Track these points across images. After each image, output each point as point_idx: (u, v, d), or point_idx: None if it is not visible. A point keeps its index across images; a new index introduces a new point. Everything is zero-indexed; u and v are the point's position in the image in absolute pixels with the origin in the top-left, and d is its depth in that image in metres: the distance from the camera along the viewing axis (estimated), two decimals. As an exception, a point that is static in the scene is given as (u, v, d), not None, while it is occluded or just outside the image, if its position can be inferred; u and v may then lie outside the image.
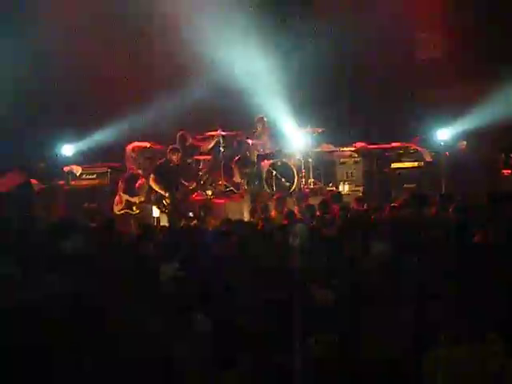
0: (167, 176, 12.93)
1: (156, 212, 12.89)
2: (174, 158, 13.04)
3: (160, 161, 13.33)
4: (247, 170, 14.27)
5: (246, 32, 15.26)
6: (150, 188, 13.06)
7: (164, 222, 12.78)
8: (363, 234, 7.85)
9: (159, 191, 12.94)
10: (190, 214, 12.03)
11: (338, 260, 6.29)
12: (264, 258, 6.74)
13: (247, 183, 14.20)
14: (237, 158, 14.35)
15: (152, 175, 13.03)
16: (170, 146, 13.33)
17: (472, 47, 16.15)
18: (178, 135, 13.81)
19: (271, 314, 5.11)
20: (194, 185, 13.66)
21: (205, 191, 14.17)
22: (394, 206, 10.32)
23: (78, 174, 14.28)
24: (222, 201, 13.94)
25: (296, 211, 11.19)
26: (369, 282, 5.59)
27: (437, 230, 8.18)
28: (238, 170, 14.32)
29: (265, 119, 14.67)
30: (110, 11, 15.49)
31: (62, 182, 14.28)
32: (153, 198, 13.06)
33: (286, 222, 9.67)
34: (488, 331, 4.34)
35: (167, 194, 12.85)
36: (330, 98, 16.32)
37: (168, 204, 12.84)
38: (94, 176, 14.40)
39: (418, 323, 5.00)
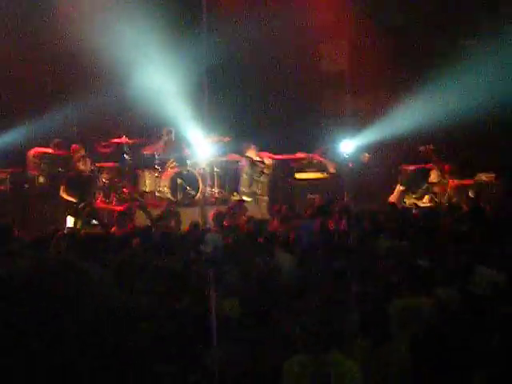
0: (79, 186, 12.64)
1: (70, 221, 12.51)
2: (82, 165, 12.77)
3: (70, 172, 13.02)
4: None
5: (155, 40, 15.15)
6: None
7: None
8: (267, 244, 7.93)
9: (69, 199, 12.59)
10: (94, 222, 11.80)
11: (247, 269, 6.29)
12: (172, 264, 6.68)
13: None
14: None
15: (63, 186, 12.69)
16: (78, 155, 13.05)
17: (376, 59, 16.47)
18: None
19: (177, 322, 5.06)
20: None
21: (108, 198, 13.95)
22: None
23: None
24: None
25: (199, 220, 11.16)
26: (274, 290, 5.61)
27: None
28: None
29: (171, 131, 14.60)
30: (17, 10, 15.12)
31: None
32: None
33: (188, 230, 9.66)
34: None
35: (82, 204, 12.52)
36: (237, 108, 16.37)
37: (83, 211, 12.46)
38: (-6, 181, 13.96)
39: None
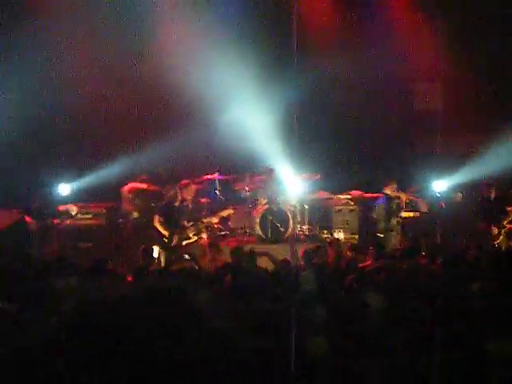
0: (170, 216, 12.74)
1: (156, 251, 12.64)
2: (174, 196, 12.86)
3: (163, 202, 13.17)
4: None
5: (247, 77, 15.38)
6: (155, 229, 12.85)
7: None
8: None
9: (162, 232, 12.71)
10: (186, 256, 11.95)
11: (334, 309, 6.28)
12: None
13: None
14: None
15: (157, 216, 12.83)
16: (171, 186, 13.18)
17: (470, 100, 16.29)
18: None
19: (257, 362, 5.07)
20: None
21: (199, 234, 14.10)
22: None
23: (73, 214, 14.24)
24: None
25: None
26: (365, 331, 5.58)
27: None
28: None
29: (258, 167, 14.72)
30: (111, 55, 15.58)
31: (57, 221, 14.24)
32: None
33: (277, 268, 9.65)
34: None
35: (167, 234, 12.63)
36: (328, 146, 16.40)
37: (167, 244, 12.60)
38: (90, 216, 14.36)
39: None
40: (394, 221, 13.74)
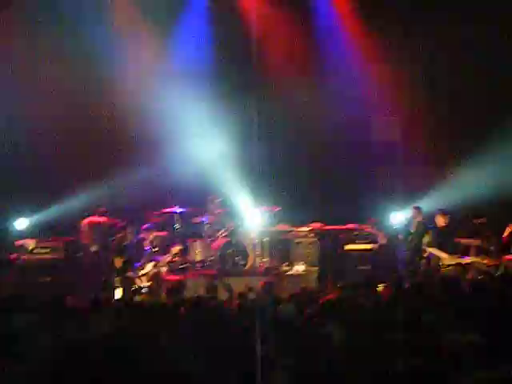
0: (123, 254, 12.70)
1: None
2: (130, 234, 12.88)
3: (119, 239, 13.15)
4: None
5: (205, 111, 15.46)
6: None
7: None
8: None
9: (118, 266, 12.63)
10: (143, 290, 11.85)
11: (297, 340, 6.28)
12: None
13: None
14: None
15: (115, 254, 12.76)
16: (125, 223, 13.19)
17: (429, 132, 16.48)
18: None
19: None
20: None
21: (159, 267, 14.02)
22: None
23: (30, 248, 14.06)
24: (177, 277, 13.84)
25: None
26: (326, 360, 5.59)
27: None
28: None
29: (217, 199, 14.72)
30: (72, 90, 15.55)
31: (14, 256, 14.04)
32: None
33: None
34: None
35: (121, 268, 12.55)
36: (287, 178, 16.46)
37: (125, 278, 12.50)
38: (48, 250, 14.19)
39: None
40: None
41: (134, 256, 12.90)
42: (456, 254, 12.98)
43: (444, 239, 13.23)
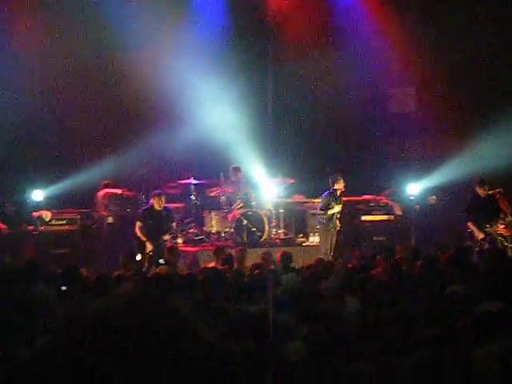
0: (150, 222, 12.59)
1: (138, 256, 12.47)
2: (156, 203, 12.72)
3: (145, 207, 13.03)
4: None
5: (222, 81, 15.38)
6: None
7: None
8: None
9: (142, 238, 12.56)
10: (161, 261, 11.83)
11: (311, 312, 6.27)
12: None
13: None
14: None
15: (138, 222, 12.71)
16: (154, 191, 13.05)
17: (445, 103, 16.37)
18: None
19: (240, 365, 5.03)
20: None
21: (175, 239, 14.05)
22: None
23: (47, 220, 14.10)
24: (193, 249, 13.88)
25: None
26: (342, 335, 5.58)
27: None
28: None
29: (240, 169, 14.64)
30: (88, 61, 15.49)
31: (31, 228, 14.09)
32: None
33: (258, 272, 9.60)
34: None
35: (148, 243, 12.46)
36: (302, 149, 16.44)
37: (150, 250, 12.44)
38: (64, 222, 14.24)
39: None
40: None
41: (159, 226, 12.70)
42: (497, 222, 12.78)
43: (486, 209, 12.92)
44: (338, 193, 13.37)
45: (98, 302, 1.88)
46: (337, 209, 13.29)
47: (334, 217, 13.36)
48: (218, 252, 11.21)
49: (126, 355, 1.72)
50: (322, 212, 13.39)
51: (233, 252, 11.58)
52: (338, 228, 13.44)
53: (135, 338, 1.76)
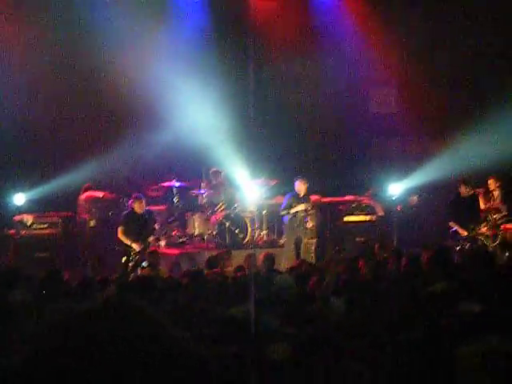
0: (133, 226, 12.51)
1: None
2: (137, 206, 12.65)
3: (126, 212, 12.92)
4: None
5: (203, 83, 15.36)
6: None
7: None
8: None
9: (126, 242, 12.46)
10: (144, 264, 11.79)
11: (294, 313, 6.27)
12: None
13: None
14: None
15: (120, 227, 12.68)
16: (134, 195, 12.97)
17: (426, 103, 16.45)
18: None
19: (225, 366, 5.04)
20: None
21: (158, 241, 13.99)
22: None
23: (28, 224, 14.01)
24: (176, 251, 13.84)
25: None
26: (326, 336, 5.57)
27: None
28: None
29: (220, 172, 14.64)
30: (68, 62, 15.43)
31: (12, 232, 14.00)
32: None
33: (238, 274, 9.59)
34: None
35: (134, 245, 12.37)
36: (284, 150, 16.44)
37: (135, 253, 12.34)
38: (46, 225, 14.15)
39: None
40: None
41: (142, 229, 12.63)
42: (480, 223, 12.90)
43: (469, 208, 13.03)
44: (302, 194, 13.50)
45: (78, 308, 1.88)
46: (300, 207, 13.42)
47: (298, 214, 13.47)
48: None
49: (102, 360, 1.72)
50: (285, 212, 13.48)
51: (216, 254, 11.56)
52: (310, 227, 13.46)
53: (109, 343, 1.77)
